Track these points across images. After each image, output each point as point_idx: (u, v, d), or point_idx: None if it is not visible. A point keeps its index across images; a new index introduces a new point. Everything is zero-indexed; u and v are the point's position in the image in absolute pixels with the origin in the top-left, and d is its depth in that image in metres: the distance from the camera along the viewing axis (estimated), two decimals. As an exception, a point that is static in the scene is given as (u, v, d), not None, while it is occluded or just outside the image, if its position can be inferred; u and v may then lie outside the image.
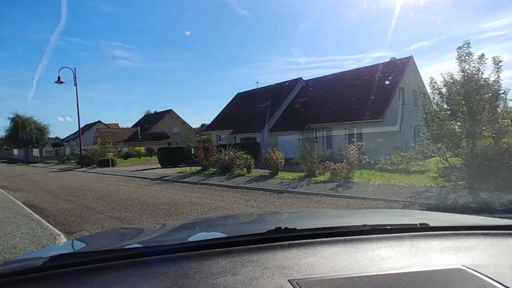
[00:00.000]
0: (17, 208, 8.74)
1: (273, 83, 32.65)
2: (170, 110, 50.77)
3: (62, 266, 0.86)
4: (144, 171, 18.11)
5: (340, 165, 10.04)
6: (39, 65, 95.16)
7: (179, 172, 15.40)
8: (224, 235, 1.27)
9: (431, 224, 1.24)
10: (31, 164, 33.60)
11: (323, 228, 1.17)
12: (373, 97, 21.13)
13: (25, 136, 49.29)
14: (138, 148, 35.32)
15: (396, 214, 2.35)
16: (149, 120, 52.54)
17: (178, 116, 51.12)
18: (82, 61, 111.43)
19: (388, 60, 24.66)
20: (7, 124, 51.15)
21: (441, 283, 0.80)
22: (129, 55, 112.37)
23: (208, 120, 48.12)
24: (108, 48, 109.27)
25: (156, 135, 46.95)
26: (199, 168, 15.28)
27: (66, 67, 24.96)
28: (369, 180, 9.59)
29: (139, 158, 34.12)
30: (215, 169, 14.36)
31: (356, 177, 10.16)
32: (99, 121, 56.45)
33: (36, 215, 7.55)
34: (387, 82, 21.43)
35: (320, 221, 1.79)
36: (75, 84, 23.90)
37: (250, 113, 29.56)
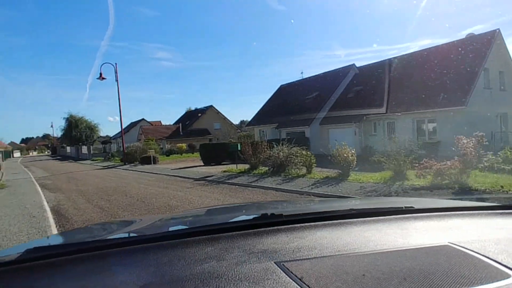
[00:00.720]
0: (40, 216, 7.31)
1: (321, 73, 29.76)
2: (211, 106, 49.80)
3: (40, 258, 0.83)
4: (186, 170, 16.51)
5: (445, 164, 7.25)
6: (91, 70, 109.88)
7: (224, 171, 13.47)
8: (210, 223, 1.18)
9: (417, 206, 1.25)
10: (80, 161, 34.34)
11: (310, 213, 1.18)
12: (451, 80, 17.48)
13: (77, 134, 51.69)
14: (180, 144, 34.53)
15: (382, 200, 2.58)
16: (190, 116, 52.10)
17: (218, 112, 50.00)
18: (128, 64, 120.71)
19: (458, 39, 20.58)
20: (63, 124, 54.26)
21: (429, 258, 0.81)
22: (170, 56, 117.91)
23: (246, 116, 46.82)
24: (151, 50, 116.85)
25: (197, 132, 46.27)
26: (246, 166, 13.21)
27: (108, 63, 24.47)
28: (502, 187, 6.64)
29: (181, 155, 33.32)
30: (266, 168, 12.17)
31: (471, 180, 7.28)
32: (143, 119, 57.49)
33: (54, 229, 5.95)
34: (467, 62, 17.62)
35: (308, 207, 1.82)
36: (116, 80, 23.26)
37: (297, 105, 27.02)
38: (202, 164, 18.78)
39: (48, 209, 8.23)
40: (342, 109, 22.90)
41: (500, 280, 0.72)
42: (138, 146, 24.84)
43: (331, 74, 27.51)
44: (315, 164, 11.02)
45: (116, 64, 23.33)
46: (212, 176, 12.64)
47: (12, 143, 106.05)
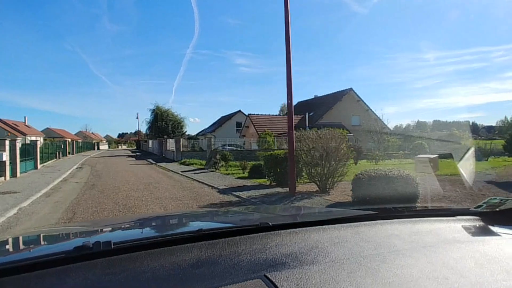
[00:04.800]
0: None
1: None
2: (350, 89, 32.22)
3: None
4: None
5: None
6: (177, 75, 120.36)
7: None
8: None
9: (273, 223, 1.06)
10: (162, 163, 20.45)
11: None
12: None
13: (163, 124, 40.75)
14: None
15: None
16: (316, 104, 35.16)
17: (359, 100, 32.21)
18: (211, 70, 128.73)
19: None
20: (149, 116, 45.46)
21: None
22: (249, 62, 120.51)
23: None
24: (232, 56, 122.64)
25: (328, 127, 29.38)
26: None
27: None
28: None
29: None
30: None
31: None
32: (239, 111, 42.41)
33: None
34: None
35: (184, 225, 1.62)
36: None
37: None
38: None
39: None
40: None
41: None
42: (326, 135, 8.58)
43: None
44: None
45: None
46: None
47: (107, 136, 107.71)
